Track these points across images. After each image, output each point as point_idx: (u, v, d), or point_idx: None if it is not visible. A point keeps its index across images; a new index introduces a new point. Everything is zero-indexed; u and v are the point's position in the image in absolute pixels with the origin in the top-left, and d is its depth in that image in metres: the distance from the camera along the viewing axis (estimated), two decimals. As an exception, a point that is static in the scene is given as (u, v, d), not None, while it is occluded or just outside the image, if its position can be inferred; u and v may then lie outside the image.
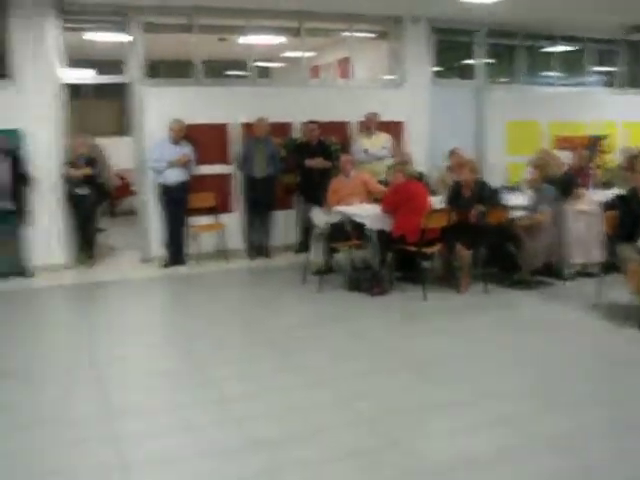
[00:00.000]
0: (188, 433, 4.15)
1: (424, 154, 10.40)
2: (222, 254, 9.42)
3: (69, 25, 9.18)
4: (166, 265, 9.06)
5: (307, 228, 8.52)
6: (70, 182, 8.88)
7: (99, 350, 5.89)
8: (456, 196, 7.58)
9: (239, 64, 10.31)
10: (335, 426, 4.20)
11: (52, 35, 8.86)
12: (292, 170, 9.57)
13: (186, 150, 9.02)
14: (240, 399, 4.67)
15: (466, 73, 11.67)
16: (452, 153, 8.95)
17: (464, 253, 7.30)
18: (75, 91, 10.22)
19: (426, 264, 7.77)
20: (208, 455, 3.85)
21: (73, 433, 4.17)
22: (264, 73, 12.70)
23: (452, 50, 11.87)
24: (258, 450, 3.89)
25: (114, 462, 3.78)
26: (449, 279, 7.67)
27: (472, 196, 7.47)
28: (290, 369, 5.23)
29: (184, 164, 8.97)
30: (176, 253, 9.14)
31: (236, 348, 5.85)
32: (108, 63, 10.66)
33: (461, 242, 7.28)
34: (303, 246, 9.11)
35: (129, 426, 4.28)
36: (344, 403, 4.54)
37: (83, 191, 8.92)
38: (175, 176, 8.95)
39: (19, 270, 8.69)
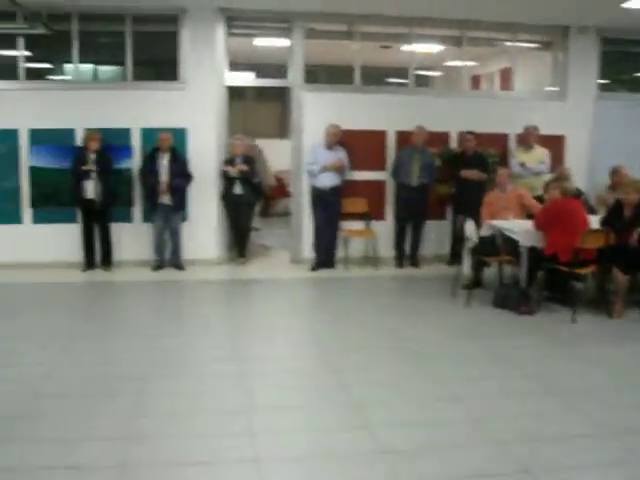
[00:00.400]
0: (318, 434, 4.34)
1: (585, 171, 10.22)
2: (371, 260, 9.67)
3: (235, 31, 9.81)
4: (315, 267, 9.42)
5: (459, 240, 8.58)
6: (227, 181, 9.44)
7: (241, 346, 6.26)
8: (616, 216, 7.41)
9: (399, 72, 10.52)
10: (464, 444, 4.21)
11: (219, 40, 9.48)
12: (446, 180, 9.66)
13: (340, 155, 9.33)
14: (372, 405, 4.79)
15: (637, 86, 11.29)
16: (615, 171, 8.75)
17: (621, 277, 7.14)
18: (239, 93, 10.82)
19: (578, 285, 7.64)
20: (335, 458, 4.01)
21: (211, 425, 4.45)
22: (424, 81, 12.83)
23: (622, 62, 11.51)
24: (384, 459, 3.99)
25: (249, 456, 4.01)
26: (602, 303, 7.47)
27: (634, 217, 7.28)
28: (425, 381, 5.32)
29: (338, 169, 9.26)
30: (326, 256, 9.49)
31: (374, 354, 5.98)
32: (271, 67, 11.17)
33: (618, 265, 7.12)
34: (454, 258, 9.17)
35: (265, 422, 4.51)
36: (476, 421, 4.55)
37: (239, 190, 9.44)
38: (328, 180, 9.28)
39: (174, 263, 9.37)
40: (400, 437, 4.27)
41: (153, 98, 9.39)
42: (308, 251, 9.72)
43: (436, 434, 4.34)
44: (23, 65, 9.40)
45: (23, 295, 8.32)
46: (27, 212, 9.41)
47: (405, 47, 10.30)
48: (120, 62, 9.64)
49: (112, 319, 7.20)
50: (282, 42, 10.15)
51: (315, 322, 7.29)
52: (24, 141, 9.30)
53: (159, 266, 9.36)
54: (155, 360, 5.75)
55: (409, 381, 5.31)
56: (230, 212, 9.62)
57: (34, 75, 9.58)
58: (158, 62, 10.39)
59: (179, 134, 9.32)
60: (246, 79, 11.13)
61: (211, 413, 4.64)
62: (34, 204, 9.38)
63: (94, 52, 9.83)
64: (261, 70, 11.05)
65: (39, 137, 9.29)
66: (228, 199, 9.51)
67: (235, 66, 10.06)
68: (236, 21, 9.71)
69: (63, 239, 9.36)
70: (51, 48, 9.76)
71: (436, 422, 4.52)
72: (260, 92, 14.23)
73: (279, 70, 10.20)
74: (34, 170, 9.32)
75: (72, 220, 9.33)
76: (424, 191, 9.52)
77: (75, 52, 9.41)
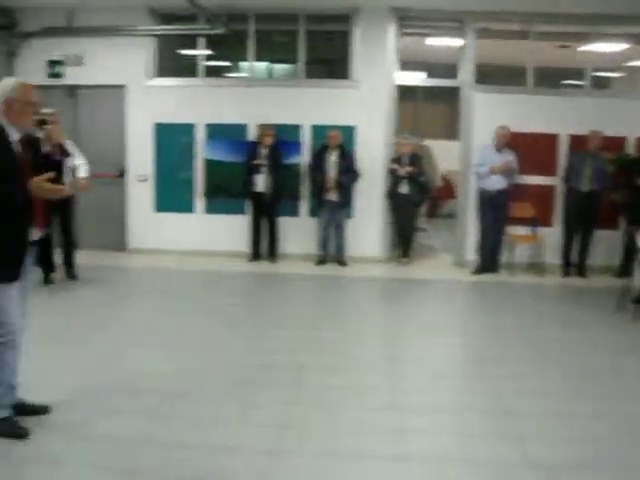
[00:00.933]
0: (466, 439, 4.40)
1: None
2: (536, 267, 9.59)
3: (407, 30, 10.06)
4: (477, 271, 9.47)
5: (631, 251, 8.36)
6: (393, 179, 9.69)
7: (397, 344, 6.45)
8: None
9: (576, 73, 10.34)
10: (612, 465, 4.09)
11: (391, 40, 9.76)
12: (620, 188, 9.42)
13: (509, 157, 9.31)
14: (521, 416, 4.76)
15: None
16: None
17: None
18: (408, 93, 11.06)
19: None
20: (479, 465, 4.04)
21: (362, 420, 4.62)
22: (603, 83, 12.48)
23: None
24: (528, 472, 3.96)
25: (397, 454, 4.17)
26: None
27: None
28: (579, 396, 5.20)
29: (506, 171, 9.27)
30: (489, 260, 9.50)
31: (529, 364, 5.90)
32: (441, 67, 11.33)
33: None
34: (625, 270, 8.94)
35: (415, 422, 4.63)
36: (628, 441, 4.41)
37: (405, 189, 9.66)
38: (495, 183, 9.29)
39: (337, 258, 9.76)
40: (546, 451, 4.22)
41: (324, 96, 9.82)
42: (472, 254, 9.78)
43: (584, 452, 4.25)
44: (203, 63, 10.11)
45: (191, 281, 8.98)
46: (200, 202, 10.14)
47: (583, 47, 10.12)
48: (293, 60, 10.14)
49: (274, 309, 7.60)
50: (454, 42, 10.29)
51: (473, 326, 7.34)
52: (200, 135, 10.03)
53: (322, 261, 9.75)
54: (313, 352, 6.05)
55: (562, 394, 5.24)
56: (395, 211, 9.86)
57: (212, 73, 10.28)
58: (330, 60, 10.81)
59: (348, 131, 9.68)
60: (416, 78, 11.35)
61: (363, 409, 4.83)
62: (207, 195, 10.09)
63: (269, 50, 10.39)
64: (431, 70, 11.22)
65: (214, 131, 9.98)
66: (394, 197, 9.75)
67: (405, 65, 10.29)
68: (408, 20, 9.93)
69: (232, 229, 10.01)
70: (229, 47, 10.40)
71: (585, 440, 4.43)
72: (430, 92, 14.36)
73: (449, 70, 10.34)
74: (208, 162, 10.02)
75: (241, 212, 9.96)
76: (595, 198, 9.28)
77: (251, 51, 10.01)
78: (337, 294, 8.53)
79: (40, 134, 4.23)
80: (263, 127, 9.58)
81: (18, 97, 4.02)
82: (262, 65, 10.56)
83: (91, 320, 6.97)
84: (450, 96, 10.73)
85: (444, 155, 12.27)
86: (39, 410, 4.51)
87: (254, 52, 10.04)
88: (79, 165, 8.01)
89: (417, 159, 9.84)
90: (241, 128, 9.93)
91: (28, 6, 9.91)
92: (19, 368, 4.33)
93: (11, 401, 4.31)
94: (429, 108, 15.09)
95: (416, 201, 9.91)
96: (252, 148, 9.60)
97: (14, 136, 4.04)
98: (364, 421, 4.61)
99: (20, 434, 4.20)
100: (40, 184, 3.98)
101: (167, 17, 10.10)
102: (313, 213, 9.92)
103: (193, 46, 10.14)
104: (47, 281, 8.21)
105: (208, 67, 10.21)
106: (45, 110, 7.22)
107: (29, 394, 4.51)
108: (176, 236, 10.15)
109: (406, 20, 9.91)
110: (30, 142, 4.19)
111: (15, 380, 4.32)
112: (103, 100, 10.26)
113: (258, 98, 9.90)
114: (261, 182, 9.50)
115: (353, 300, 8.30)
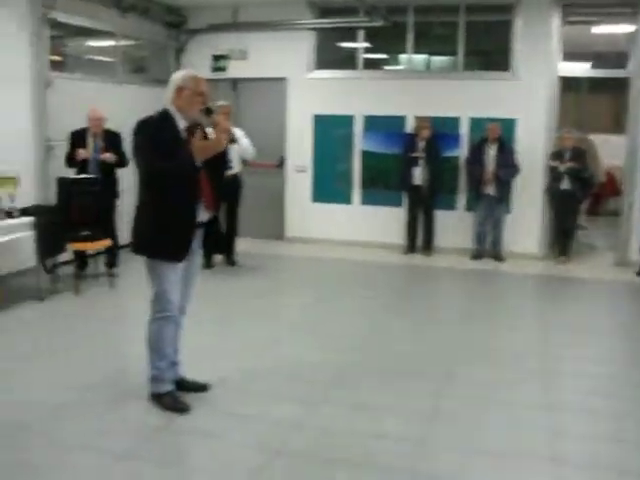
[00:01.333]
0: (623, 447, 4.20)
1: None
2: None
3: (572, 19, 9.72)
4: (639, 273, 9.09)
5: None
6: (553, 174, 9.43)
7: (550, 343, 6.25)
8: None
9: None
10: None
11: (554, 29, 9.48)
12: None
13: (681, 153, 8.87)
14: None
15: None
16: None
17: None
18: (571, 84, 10.72)
19: None
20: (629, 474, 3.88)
21: (509, 418, 4.57)
22: None
23: None
24: None
25: (544, 454, 4.06)
26: None
27: None
28: None
29: (677, 168, 8.83)
30: (654, 261, 9.08)
31: None
32: (606, 56, 10.91)
33: None
34: None
35: (566, 423, 4.52)
36: None
37: (566, 185, 9.37)
38: (665, 180, 8.87)
39: (494, 254, 9.65)
40: None
41: (483, 88, 9.67)
42: (636, 254, 9.35)
43: None
44: (361, 56, 10.24)
45: (346, 271, 9.14)
46: (357, 193, 10.31)
47: None
48: (452, 52, 10.06)
49: (428, 302, 7.68)
50: (624, 29, 9.88)
51: (633, 330, 6.95)
52: (359, 127, 10.17)
53: (478, 255, 9.65)
54: (464, 346, 6.05)
55: None
56: (555, 207, 9.59)
57: (371, 65, 10.38)
58: (489, 52, 10.64)
59: (508, 125, 9.49)
60: (580, 69, 10.99)
61: (514, 406, 4.76)
62: (364, 186, 10.24)
63: (427, 42, 10.35)
64: (596, 59, 10.83)
65: (372, 123, 10.09)
66: (554, 193, 9.48)
67: (568, 55, 9.98)
68: (573, 8, 9.58)
69: (388, 221, 10.12)
70: (387, 39, 10.45)
71: None
72: (594, 83, 13.84)
73: (616, 59, 9.94)
74: (366, 154, 10.15)
75: (397, 204, 10.03)
76: None
77: (410, 43, 10.02)
78: (492, 289, 8.42)
79: (206, 123, 4.41)
80: (420, 119, 9.60)
81: (188, 86, 4.24)
82: (421, 57, 10.53)
83: (249, 305, 7.29)
84: (616, 87, 10.30)
85: (609, 150, 11.80)
86: (199, 387, 4.77)
87: (413, 44, 10.05)
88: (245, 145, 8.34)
89: (580, 153, 9.48)
90: (399, 120, 9.98)
91: (196, 4, 10.39)
92: (180, 346, 4.63)
93: (173, 377, 4.60)
94: (593, 100, 14.52)
95: (578, 197, 9.58)
96: (409, 140, 9.64)
97: (181, 124, 4.27)
98: (515, 419, 4.56)
99: (182, 408, 4.47)
100: (200, 144, 4.16)
101: (326, 10, 10.29)
102: (470, 207, 9.83)
103: (352, 39, 10.28)
104: (209, 265, 8.61)
105: (367, 59, 10.31)
106: (219, 102, 7.64)
107: (189, 372, 4.79)
108: (332, 226, 10.37)
109: (571, 7, 9.57)
110: (196, 129, 4.32)
111: (177, 357, 4.63)
112: (264, 92, 10.60)
113: (416, 90, 9.91)
114: (418, 175, 9.51)
115: (508, 296, 8.16)
